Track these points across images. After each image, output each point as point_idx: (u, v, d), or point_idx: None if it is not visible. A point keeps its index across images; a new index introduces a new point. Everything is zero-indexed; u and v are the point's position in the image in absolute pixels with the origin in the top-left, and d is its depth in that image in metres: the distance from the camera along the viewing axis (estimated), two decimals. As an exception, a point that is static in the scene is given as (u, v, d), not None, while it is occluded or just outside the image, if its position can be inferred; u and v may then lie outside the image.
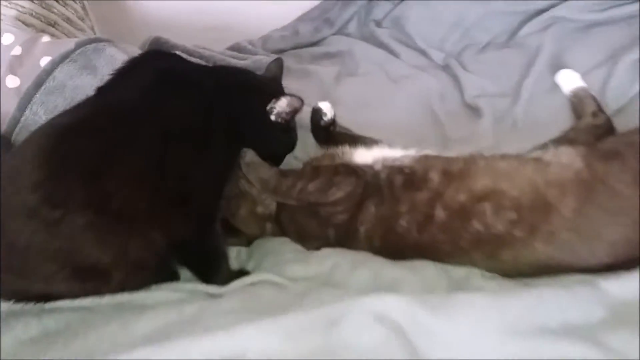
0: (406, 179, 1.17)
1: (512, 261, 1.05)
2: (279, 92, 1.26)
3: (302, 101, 1.23)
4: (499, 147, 1.43)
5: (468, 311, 0.90)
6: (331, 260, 1.15)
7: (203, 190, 1.08)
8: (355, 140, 1.42)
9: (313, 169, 1.20)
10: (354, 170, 1.18)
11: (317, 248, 1.21)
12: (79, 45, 1.59)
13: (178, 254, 1.09)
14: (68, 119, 1.07)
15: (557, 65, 1.60)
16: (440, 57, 1.82)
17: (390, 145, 1.35)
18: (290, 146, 1.34)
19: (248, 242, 1.33)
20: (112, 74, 1.18)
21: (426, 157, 1.23)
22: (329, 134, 1.43)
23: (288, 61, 1.84)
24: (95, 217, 0.96)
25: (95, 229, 0.96)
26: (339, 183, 1.16)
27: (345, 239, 1.18)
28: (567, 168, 1.10)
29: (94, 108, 1.10)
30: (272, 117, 1.23)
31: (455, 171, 1.15)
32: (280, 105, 1.22)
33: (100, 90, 1.16)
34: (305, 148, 1.42)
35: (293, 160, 1.41)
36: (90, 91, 1.49)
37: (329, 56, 1.86)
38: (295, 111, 1.26)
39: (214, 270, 1.13)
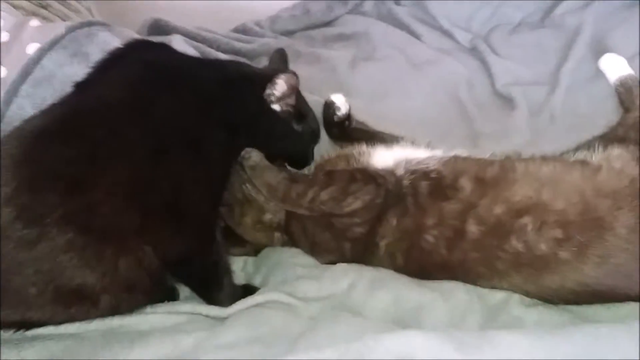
0: (433, 185, 1.02)
1: (556, 286, 0.92)
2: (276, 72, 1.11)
3: (296, 75, 1.07)
4: (536, 144, 1.28)
5: (507, 353, 0.76)
6: (347, 278, 1.03)
7: (200, 200, 0.95)
8: (373, 137, 1.27)
9: (326, 175, 1.06)
10: (373, 177, 1.03)
11: (332, 262, 1.09)
12: (70, 30, 1.45)
13: (174, 271, 0.97)
14: (42, 121, 0.93)
15: (599, 48, 1.43)
16: (466, 38, 1.65)
17: (414, 143, 1.20)
18: (308, 138, 1.18)
19: (255, 251, 1.21)
20: (92, 68, 1.04)
21: (455, 159, 1.08)
22: (343, 130, 1.28)
23: (298, 44, 1.69)
24: (78, 235, 0.83)
25: (78, 249, 0.84)
26: (355, 192, 1.02)
27: (363, 254, 1.05)
28: (620, 175, 0.96)
29: (72, 108, 0.96)
30: (276, 107, 1.08)
31: (490, 178, 1.00)
32: (278, 88, 1.07)
33: (79, 87, 1.02)
34: (318, 148, 1.27)
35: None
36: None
37: (343, 38, 1.70)
38: (294, 88, 1.09)
39: (215, 289, 1.01)
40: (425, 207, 1.00)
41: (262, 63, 1.64)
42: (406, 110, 1.41)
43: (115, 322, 0.94)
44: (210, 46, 1.66)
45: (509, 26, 1.64)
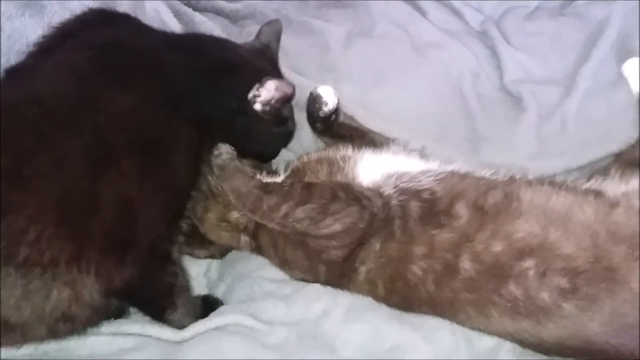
0: (425, 208, 0.90)
1: (555, 340, 0.82)
2: (266, 72, 0.95)
3: (293, 87, 0.93)
4: (543, 156, 1.15)
5: None
6: (320, 304, 0.92)
7: (155, 219, 0.81)
8: (361, 136, 1.13)
9: (305, 188, 0.92)
10: (357, 198, 0.90)
11: (304, 280, 0.97)
12: (23, -26, 1.25)
13: (120, 297, 0.83)
14: None
15: (624, 49, 1.28)
16: (477, 19, 1.47)
17: (406, 148, 1.06)
18: (283, 141, 1.06)
19: (220, 253, 1.08)
20: (31, 50, 0.86)
21: (452, 177, 0.95)
22: (329, 124, 1.12)
23: (289, 8, 1.50)
24: (3, 264, 0.69)
25: (2, 280, 0.70)
26: (336, 213, 0.89)
27: (340, 278, 0.93)
28: (638, 216, 0.84)
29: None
30: (257, 107, 0.93)
31: (491, 206, 0.88)
32: (266, 92, 0.92)
33: (11, 74, 0.84)
34: (299, 139, 1.13)
35: (283, 151, 1.12)
36: (33, 38, 1.19)
37: (339, 5, 1.50)
38: (285, 99, 0.96)
39: (169, 310, 0.89)
40: (414, 234, 0.88)
41: (246, 26, 1.46)
42: (402, 103, 1.26)
43: (51, 346, 0.82)
44: (189, 3, 1.46)
45: (524, 10, 1.46)
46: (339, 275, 0.92)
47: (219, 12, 1.50)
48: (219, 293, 1.02)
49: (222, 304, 0.98)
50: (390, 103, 1.25)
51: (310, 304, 0.92)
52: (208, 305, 0.97)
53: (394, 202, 0.91)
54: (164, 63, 0.87)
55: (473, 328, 0.86)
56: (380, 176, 0.95)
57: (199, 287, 1.02)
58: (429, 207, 0.90)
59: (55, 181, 0.72)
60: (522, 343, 0.84)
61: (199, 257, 1.07)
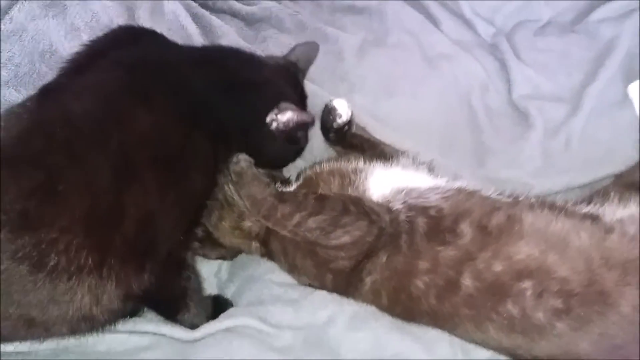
0: (431, 225, 0.94)
1: (547, 356, 0.86)
2: (286, 96, 0.98)
3: (313, 118, 0.97)
4: (547, 173, 1.18)
5: None
6: (327, 310, 0.96)
7: (174, 228, 0.85)
8: (372, 147, 1.16)
9: (318, 200, 0.96)
10: (366, 213, 0.94)
11: (311, 286, 1.01)
12: (46, -26, 1.28)
13: (137, 300, 0.88)
14: None
15: (632, 69, 1.30)
16: (489, 32, 1.49)
17: (415, 161, 1.09)
18: (295, 156, 1.11)
19: (231, 255, 1.13)
20: (64, 67, 0.90)
21: (459, 194, 0.98)
22: (342, 135, 1.16)
23: (303, 12, 1.52)
24: (31, 271, 0.74)
25: (31, 284, 0.75)
26: (346, 225, 0.93)
27: (346, 287, 0.97)
28: (632, 243, 0.88)
29: (31, 121, 0.81)
30: (273, 128, 0.97)
31: (494, 227, 0.91)
32: (284, 119, 0.96)
33: (45, 92, 0.87)
34: (311, 148, 1.16)
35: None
36: (56, 38, 1.23)
37: (354, 12, 1.52)
38: (302, 126, 1.01)
39: (182, 311, 0.94)
40: (420, 249, 0.92)
41: (262, 30, 1.49)
42: (412, 114, 1.29)
43: (72, 342, 0.86)
44: (205, 5, 1.49)
45: (536, 24, 1.47)
46: (345, 284, 0.97)
47: (235, 14, 1.52)
48: (228, 294, 1.06)
49: (232, 305, 1.02)
50: (400, 114, 1.28)
51: (316, 310, 0.96)
52: (218, 305, 1.01)
53: (402, 217, 0.95)
54: (186, 79, 0.91)
55: (471, 341, 0.90)
56: (390, 191, 0.99)
57: (210, 286, 1.07)
58: (435, 224, 0.93)
59: (85, 196, 0.76)
60: (516, 358, 0.88)
61: (210, 258, 1.11)
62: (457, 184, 1.02)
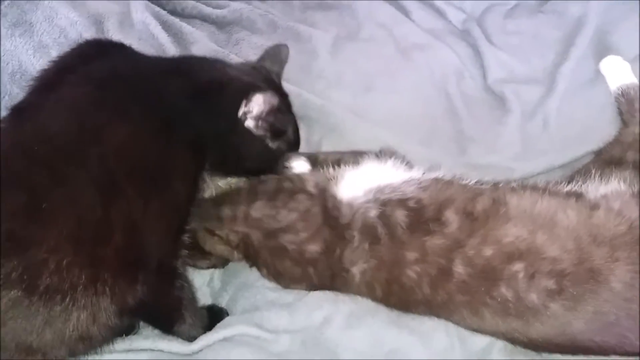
0: (412, 216, 0.94)
1: (543, 338, 0.87)
2: (254, 87, 0.97)
3: (277, 98, 0.96)
4: (527, 156, 1.20)
5: None
6: (322, 311, 0.97)
7: (161, 237, 0.85)
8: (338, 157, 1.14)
9: (249, 190, 1.00)
10: (300, 188, 0.98)
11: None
12: (8, -7, 1.25)
13: (132, 314, 0.87)
14: None
15: (601, 46, 1.31)
16: (459, 18, 1.50)
17: (388, 158, 1.08)
18: (284, 153, 1.08)
19: (222, 263, 1.12)
20: (32, 86, 0.88)
21: (437, 184, 0.99)
22: None
23: (274, 12, 1.51)
24: (24, 295, 0.73)
25: (24, 308, 0.74)
26: (286, 202, 0.97)
27: (332, 279, 0.97)
28: (618, 218, 0.90)
29: (9, 142, 0.81)
30: (250, 124, 0.97)
31: (480, 212, 0.92)
32: (256, 106, 0.95)
33: (17, 112, 0.86)
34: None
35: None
36: (25, 58, 1.20)
37: (324, 8, 1.51)
38: (273, 110, 0.98)
39: (177, 322, 0.93)
40: (404, 240, 0.92)
41: (234, 32, 1.47)
42: (391, 107, 1.29)
43: (66, 364, 0.86)
44: (174, 11, 1.47)
45: (504, 7, 1.48)
46: (330, 276, 0.97)
47: (205, 19, 1.50)
48: (223, 302, 1.06)
49: (227, 314, 1.02)
50: (379, 108, 1.29)
51: (311, 312, 0.96)
52: (214, 315, 1.01)
53: (372, 212, 0.95)
54: (157, 90, 0.90)
55: (467, 327, 0.91)
56: (363, 192, 0.98)
57: (203, 297, 1.06)
58: (416, 215, 0.94)
59: (70, 213, 0.76)
60: (513, 341, 0.90)
61: (201, 268, 1.10)
62: (434, 174, 1.01)
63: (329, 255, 0.95)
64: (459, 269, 0.89)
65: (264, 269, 1.02)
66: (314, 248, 0.96)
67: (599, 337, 0.84)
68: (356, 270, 0.95)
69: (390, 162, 1.07)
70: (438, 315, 0.93)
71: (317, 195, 0.98)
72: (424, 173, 1.03)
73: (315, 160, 1.11)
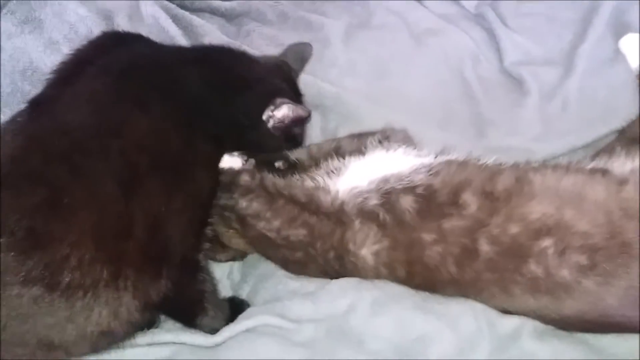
0: (422, 202, 0.91)
1: (576, 315, 0.85)
2: (280, 91, 0.97)
3: (309, 112, 0.96)
4: (547, 137, 1.17)
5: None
6: (346, 299, 0.94)
7: (185, 231, 0.84)
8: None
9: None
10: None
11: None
12: (17, -10, 1.24)
13: (155, 308, 0.86)
14: None
15: (620, 24, 1.29)
16: (472, 3, 1.48)
17: (394, 144, 1.05)
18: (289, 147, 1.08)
19: (241, 255, 1.11)
20: (50, 78, 0.87)
21: (449, 167, 0.95)
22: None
23: (284, 2, 1.50)
24: (45, 292, 0.72)
25: (46, 305, 0.73)
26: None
27: (342, 263, 0.95)
28: (648, 192, 0.86)
29: (26, 137, 0.79)
30: (270, 125, 0.96)
31: (501, 192, 0.89)
32: (280, 114, 0.95)
33: (34, 105, 0.84)
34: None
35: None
36: (35, 55, 1.20)
37: (333, -4, 1.50)
38: (299, 121, 1.00)
39: (199, 315, 0.92)
40: (414, 225, 0.89)
41: (243, 24, 1.47)
42: (407, 92, 1.28)
43: (91, 358, 0.84)
44: (183, 4, 1.46)
45: (518, -11, 1.47)
46: (335, 258, 0.94)
47: (214, 12, 1.49)
48: (243, 294, 1.04)
49: (248, 305, 1.00)
50: (394, 94, 1.27)
51: (335, 300, 0.94)
52: (235, 307, 0.99)
53: (371, 202, 0.92)
54: (179, 81, 0.89)
55: (497, 306, 0.89)
56: (367, 182, 0.95)
57: (223, 289, 1.05)
58: (426, 201, 0.90)
59: (91, 207, 0.74)
60: (544, 319, 0.87)
61: (220, 261, 1.09)
62: (446, 157, 0.98)
63: (324, 237, 0.93)
64: (485, 247, 0.86)
65: (275, 263, 1.01)
66: (295, 233, 0.94)
67: (631, 312, 0.82)
68: (366, 252, 0.92)
69: (400, 150, 1.04)
70: (466, 295, 0.90)
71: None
72: (436, 156, 0.99)
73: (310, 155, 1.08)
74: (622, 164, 0.95)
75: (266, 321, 0.93)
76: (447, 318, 0.90)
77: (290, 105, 0.96)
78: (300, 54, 1.17)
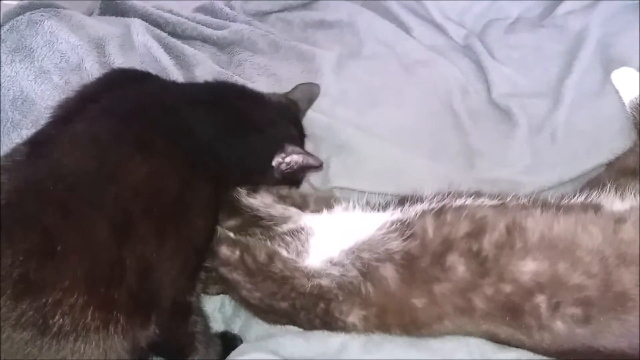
0: (403, 270, 0.88)
1: (569, 352, 0.85)
2: (291, 138, 1.00)
3: (320, 163, 0.98)
4: (536, 170, 1.18)
5: None
6: (338, 338, 0.94)
7: (178, 275, 0.82)
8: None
9: None
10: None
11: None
12: (8, 18, 1.24)
13: (145, 352, 0.84)
14: None
15: (606, 57, 1.31)
16: (460, 34, 1.50)
17: (358, 202, 1.01)
18: None
19: (232, 288, 1.09)
20: (51, 116, 0.86)
21: (424, 221, 0.91)
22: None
23: (274, 31, 1.51)
24: (36, 336, 0.70)
25: (36, 352, 0.71)
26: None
27: (327, 325, 0.93)
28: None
29: (22, 180, 0.78)
30: (277, 170, 0.99)
31: (489, 248, 0.87)
32: (291, 161, 0.98)
33: (34, 146, 0.83)
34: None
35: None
36: (26, 84, 1.19)
37: (325, 26, 1.51)
38: (308, 168, 1.01)
39: (192, 355, 0.91)
40: (402, 293, 0.88)
41: (235, 53, 1.46)
42: (397, 122, 1.29)
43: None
44: (174, 32, 1.46)
45: (505, 22, 1.49)
46: (323, 324, 0.93)
47: (205, 40, 1.48)
48: (236, 329, 1.03)
49: (241, 340, 0.99)
50: (385, 123, 1.28)
51: (327, 339, 0.93)
52: (227, 342, 0.98)
53: (351, 273, 0.90)
54: (186, 122, 0.89)
55: (496, 341, 0.89)
56: (339, 253, 0.92)
57: (215, 323, 1.03)
58: (408, 269, 0.88)
59: (84, 254, 0.73)
60: (537, 352, 0.87)
61: (211, 294, 1.08)
62: (418, 207, 0.95)
63: (308, 309, 0.92)
64: (480, 305, 0.86)
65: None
66: (281, 304, 0.93)
67: (624, 347, 0.82)
68: (354, 319, 0.91)
69: (358, 209, 1.00)
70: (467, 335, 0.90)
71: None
72: (402, 208, 0.96)
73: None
74: (612, 199, 0.94)
75: (259, 358, 0.92)
76: (441, 354, 0.90)
77: (302, 154, 0.97)
78: (309, 94, 1.18)
